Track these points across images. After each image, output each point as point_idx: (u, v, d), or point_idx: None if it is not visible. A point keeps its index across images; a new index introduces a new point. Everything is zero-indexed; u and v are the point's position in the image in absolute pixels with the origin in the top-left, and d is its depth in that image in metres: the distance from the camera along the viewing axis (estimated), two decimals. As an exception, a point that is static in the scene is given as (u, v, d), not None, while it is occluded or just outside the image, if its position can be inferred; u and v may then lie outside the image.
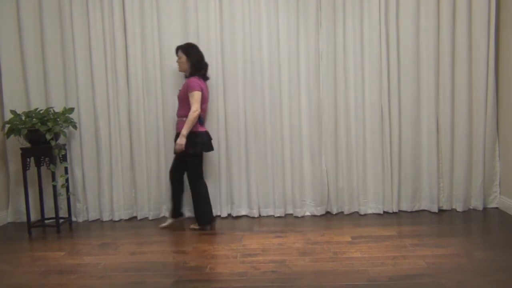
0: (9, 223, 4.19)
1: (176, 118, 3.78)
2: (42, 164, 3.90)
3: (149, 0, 3.97)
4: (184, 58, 3.70)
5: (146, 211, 4.16)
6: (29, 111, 3.82)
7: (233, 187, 4.11)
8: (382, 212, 4.07)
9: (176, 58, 3.76)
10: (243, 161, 4.07)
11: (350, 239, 3.39)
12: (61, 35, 4.01)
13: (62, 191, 3.96)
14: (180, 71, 3.80)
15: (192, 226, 3.82)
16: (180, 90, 3.73)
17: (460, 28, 3.93)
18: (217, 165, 4.08)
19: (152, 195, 4.13)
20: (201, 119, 3.65)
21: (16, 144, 3.92)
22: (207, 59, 3.96)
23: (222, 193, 4.11)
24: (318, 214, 4.09)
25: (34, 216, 4.03)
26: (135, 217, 4.19)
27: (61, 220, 3.95)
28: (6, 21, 3.99)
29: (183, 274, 2.84)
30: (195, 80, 3.62)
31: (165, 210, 4.17)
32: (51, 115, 3.79)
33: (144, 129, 4.08)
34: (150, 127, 4.07)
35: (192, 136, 3.59)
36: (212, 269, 2.91)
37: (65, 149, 3.96)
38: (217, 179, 4.10)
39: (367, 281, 2.64)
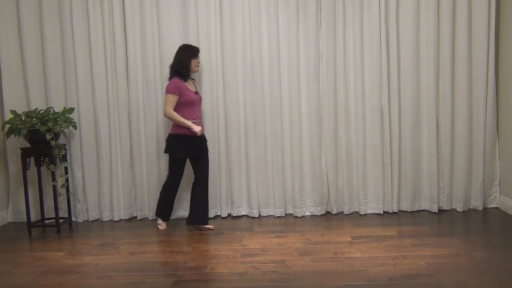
0: (9, 223, 4.19)
1: (198, 120, 3.72)
2: (42, 164, 3.90)
3: (149, 0, 3.97)
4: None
5: (146, 211, 4.16)
6: (29, 111, 3.82)
7: (233, 187, 4.11)
8: (382, 212, 4.07)
9: (195, 60, 3.73)
10: (243, 161, 4.07)
11: (350, 239, 3.39)
12: (61, 35, 4.01)
13: (62, 191, 3.96)
14: (196, 72, 3.80)
15: (207, 226, 3.79)
16: (196, 93, 3.74)
17: (460, 28, 3.93)
18: (217, 165, 4.08)
19: (152, 195, 4.12)
20: None
21: (16, 144, 3.92)
22: (207, 59, 3.98)
23: (222, 193, 4.11)
24: (318, 214, 4.09)
25: (34, 216, 4.03)
26: (135, 217, 4.19)
27: (61, 220, 3.95)
28: (6, 21, 3.99)
29: (183, 274, 2.84)
30: None
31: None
32: (51, 115, 3.79)
33: (144, 129, 4.07)
34: (150, 127, 4.07)
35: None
36: (212, 269, 2.91)
37: (65, 149, 3.95)
38: (217, 179, 4.10)
39: (367, 281, 2.64)
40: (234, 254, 3.16)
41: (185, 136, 3.64)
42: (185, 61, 3.67)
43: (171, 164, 3.76)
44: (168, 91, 3.61)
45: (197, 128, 3.63)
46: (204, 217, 3.78)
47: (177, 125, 3.65)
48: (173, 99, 3.59)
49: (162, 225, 3.84)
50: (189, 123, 3.61)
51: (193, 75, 3.87)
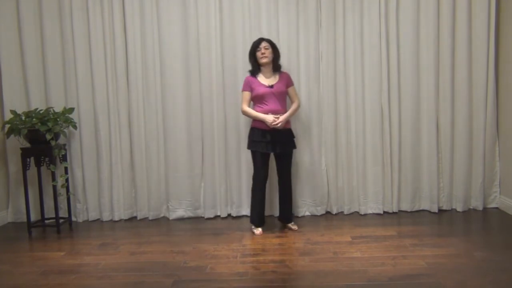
0: (9, 223, 4.19)
1: (270, 114, 3.56)
2: (42, 164, 3.90)
3: (149, 0, 3.97)
4: (270, 50, 3.65)
5: (146, 211, 4.16)
6: (29, 111, 3.82)
7: (233, 187, 4.10)
8: (382, 212, 4.07)
9: (259, 52, 3.60)
10: (243, 161, 4.07)
11: (350, 239, 3.39)
12: (61, 35, 4.01)
13: (62, 191, 3.96)
14: (265, 62, 3.61)
15: (290, 225, 3.78)
16: (274, 85, 3.61)
17: (460, 28, 3.93)
18: (216, 165, 4.07)
19: (152, 195, 4.13)
20: None
21: (16, 144, 3.92)
22: (207, 59, 3.98)
23: (222, 193, 4.11)
24: (318, 214, 4.09)
25: (34, 216, 4.03)
26: (135, 217, 4.19)
27: (61, 220, 3.95)
28: (6, 21, 3.99)
29: (183, 274, 2.84)
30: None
31: (165, 210, 4.18)
32: (51, 115, 3.79)
33: (144, 129, 4.08)
34: (150, 127, 4.07)
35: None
36: (212, 269, 2.91)
37: (65, 149, 3.95)
38: (217, 179, 4.09)
39: (367, 281, 2.64)
40: (234, 254, 3.16)
41: (257, 130, 3.61)
42: (250, 57, 3.71)
43: (253, 158, 3.68)
44: (242, 89, 3.70)
45: (269, 118, 3.53)
46: (288, 216, 3.78)
47: (252, 119, 3.67)
48: (245, 96, 3.65)
49: (257, 230, 3.66)
50: (261, 115, 3.56)
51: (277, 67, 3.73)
